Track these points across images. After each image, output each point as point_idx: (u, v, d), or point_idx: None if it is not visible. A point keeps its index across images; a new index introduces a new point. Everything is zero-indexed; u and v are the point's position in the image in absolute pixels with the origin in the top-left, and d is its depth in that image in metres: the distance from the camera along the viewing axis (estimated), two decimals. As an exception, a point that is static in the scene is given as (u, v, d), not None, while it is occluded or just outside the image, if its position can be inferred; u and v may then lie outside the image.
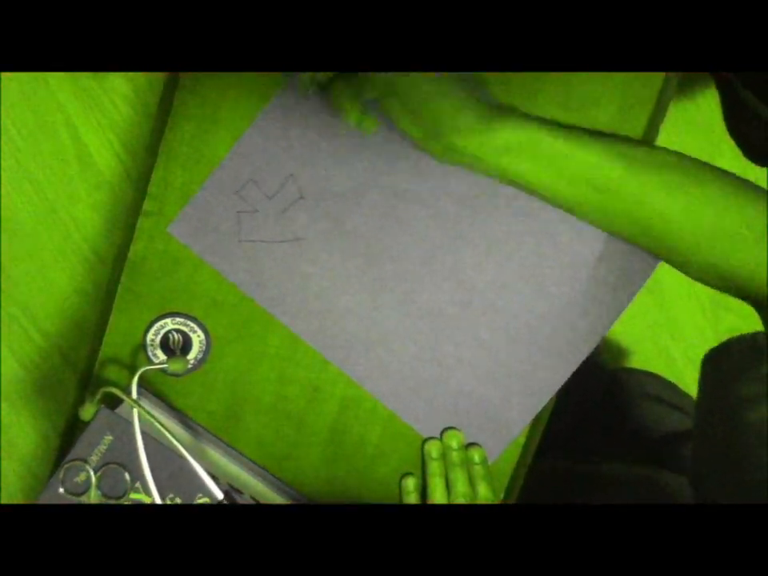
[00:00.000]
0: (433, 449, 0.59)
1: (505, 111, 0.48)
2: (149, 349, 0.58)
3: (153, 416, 0.51)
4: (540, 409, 0.59)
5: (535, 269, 0.57)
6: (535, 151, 0.47)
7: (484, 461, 0.59)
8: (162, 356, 0.58)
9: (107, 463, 0.53)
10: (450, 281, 0.58)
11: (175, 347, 0.58)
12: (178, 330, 0.58)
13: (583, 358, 0.58)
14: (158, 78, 0.66)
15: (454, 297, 0.58)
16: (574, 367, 0.58)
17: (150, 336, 0.58)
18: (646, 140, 0.55)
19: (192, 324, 0.58)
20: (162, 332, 0.58)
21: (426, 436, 0.60)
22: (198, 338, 0.58)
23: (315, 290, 0.58)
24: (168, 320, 0.58)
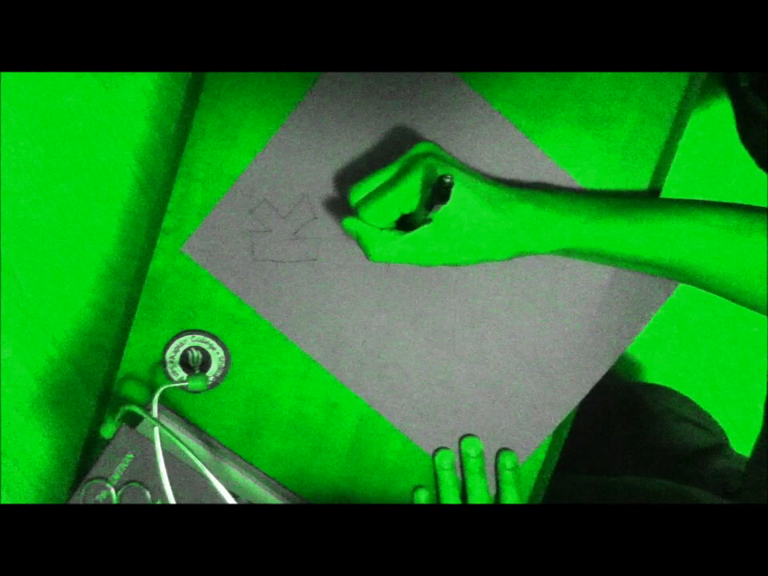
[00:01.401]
0: (444, 459, 0.59)
1: (536, 229, 0.48)
2: (168, 366, 0.58)
3: (173, 434, 0.51)
4: (551, 432, 0.59)
5: (548, 291, 0.57)
6: (580, 251, 0.50)
7: (515, 467, 0.58)
8: (181, 373, 0.58)
9: (128, 482, 0.53)
10: (462, 303, 0.58)
11: (194, 364, 0.58)
12: (197, 347, 0.58)
13: (596, 381, 0.58)
14: (175, 93, 0.66)
15: (466, 319, 0.58)
16: (586, 390, 0.58)
17: (169, 353, 0.58)
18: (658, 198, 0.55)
19: (211, 341, 0.58)
20: (182, 349, 0.58)
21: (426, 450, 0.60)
22: (217, 356, 0.58)
23: (327, 310, 0.58)
24: (188, 337, 0.58)
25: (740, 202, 0.49)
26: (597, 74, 0.55)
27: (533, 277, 0.57)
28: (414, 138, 0.56)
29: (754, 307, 0.49)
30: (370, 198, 0.49)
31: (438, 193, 0.43)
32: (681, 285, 0.54)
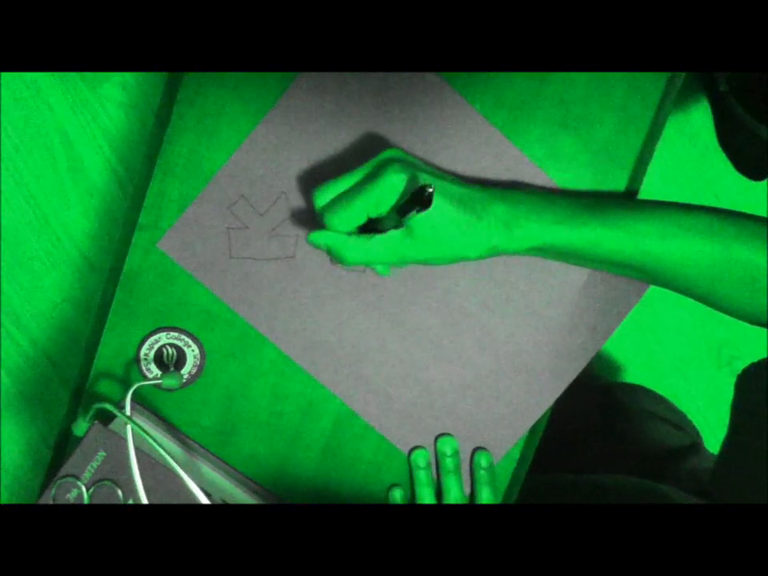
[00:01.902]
0: (420, 458, 0.59)
1: (509, 227, 0.48)
2: (143, 363, 0.57)
3: (147, 432, 0.51)
4: (526, 431, 0.59)
5: (525, 291, 0.57)
6: (553, 251, 0.50)
7: (490, 466, 0.59)
8: (155, 371, 0.57)
9: (100, 480, 0.52)
10: (439, 302, 0.58)
11: (169, 362, 0.57)
12: (172, 345, 0.57)
13: (570, 380, 0.58)
14: (154, 87, 0.65)
15: (443, 318, 0.58)
16: (561, 389, 0.59)
17: (144, 350, 0.57)
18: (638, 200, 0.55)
19: (186, 338, 0.57)
20: (156, 346, 0.57)
21: (400, 448, 0.60)
22: (192, 353, 0.57)
23: (303, 308, 0.58)
24: (162, 334, 0.57)
25: (715, 206, 0.49)
26: (576, 75, 0.55)
27: (510, 277, 0.57)
28: (393, 138, 0.56)
29: (724, 311, 0.50)
30: (336, 202, 0.48)
31: (417, 201, 0.43)
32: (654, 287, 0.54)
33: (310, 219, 0.57)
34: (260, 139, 0.56)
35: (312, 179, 0.56)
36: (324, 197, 0.49)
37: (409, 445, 0.60)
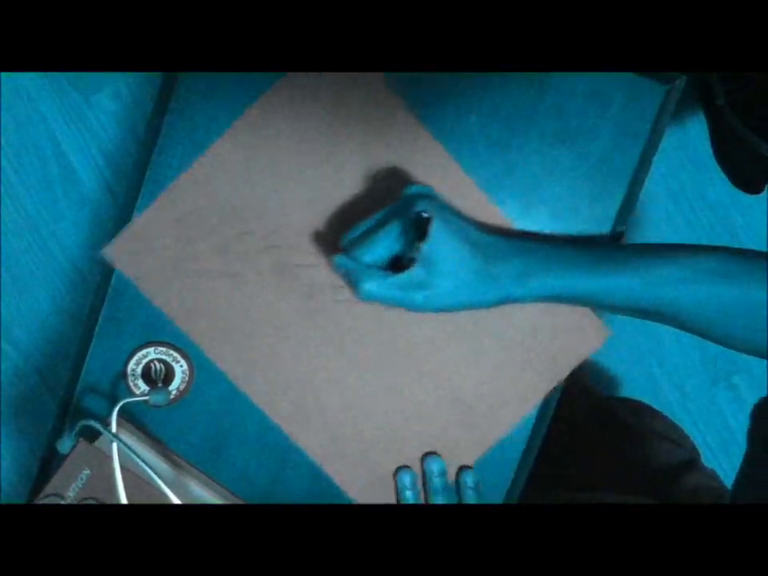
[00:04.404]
0: (406, 478, 0.58)
1: (524, 278, 0.48)
2: (130, 378, 0.56)
3: (133, 450, 0.50)
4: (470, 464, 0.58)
5: (472, 331, 0.56)
6: (567, 298, 0.49)
7: (477, 485, 0.57)
8: (143, 386, 0.56)
9: (84, 498, 0.51)
10: (389, 333, 0.56)
11: (157, 377, 0.56)
12: (160, 360, 0.56)
13: (516, 420, 0.57)
14: (147, 98, 0.64)
15: (392, 349, 0.57)
16: (504, 430, 0.57)
17: (131, 365, 0.56)
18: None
19: (175, 354, 0.56)
20: (144, 362, 0.56)
21: (351, 496, 0.58)
22: (180, 368, 0.56)
23: (249, 328, 0.56)
24: (150, 349, 0.56)
25: (730, 246, 0.49)
26: (572, 88, 0.55)
27: (457, 315, 0.54)
28: (349, 158, 0.55)
29: (744, 350, 0.49)
30: (362, 234, 0.49)
31: (417, 228, 0.42)
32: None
33: (261, 237, 0.56)
34: (217, 155, 0.55)
35: (264, 197, 0.55)
36: (351, 233, 0.50)
37: (351, 482, 0.58)
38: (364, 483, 0.58)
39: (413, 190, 0.49)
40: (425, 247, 0.46)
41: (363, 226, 0.50)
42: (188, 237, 0.55)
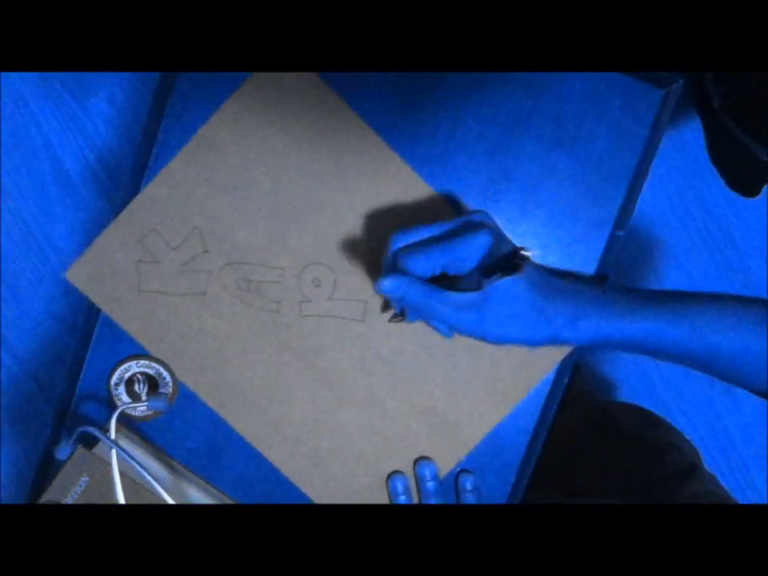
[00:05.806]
0: (399, 484, 0.57)
1: (574, 320, 0.47)
2: (113, 392, 0.56)
3: (132, 456, 0.49)
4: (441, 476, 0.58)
5: (440, 342, 0.56)
6: (614, 344, 0.49)
7: (475, 488, 0.57)
8: (126, 399, 0.56)
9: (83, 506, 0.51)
10: (355, 347, 0.56)
11: (141, 390, 0.56)
12: (143, 373, 0.56)
13: (482, 436, 0.57)
14: (142, 102, 0.64)
15: (358, 363, 0.56)
16: (473, 444, 0.57)
17: (114, 380, 0.56)
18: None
19: (157, 366, 0.55)
20: (126, 376, 0.56)
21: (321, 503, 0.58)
22: (163, 380, 0.56)
23: (213, 346, 0.56)
24: (132, 363, 0.56)
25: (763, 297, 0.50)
26: (570, 92, 0.55)
27: (428, 329, 0.54)
28: (315, 180, 0.55)
29: None
30: (415, 247, 0.47)
31: (506, 264, 0.43)
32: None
33: (223, 254, 0.55)
34: (176, 171, 0.54)
35: (227, 215, 0.55)
36: (402, 240, 0.48)
37: (318, 491, 0.58)
38: (347, 495, 0.58)
39: (475, 218, 0.48)
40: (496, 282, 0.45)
41: (415, 232, 0.48)
42: (149, 257, 0.55)
